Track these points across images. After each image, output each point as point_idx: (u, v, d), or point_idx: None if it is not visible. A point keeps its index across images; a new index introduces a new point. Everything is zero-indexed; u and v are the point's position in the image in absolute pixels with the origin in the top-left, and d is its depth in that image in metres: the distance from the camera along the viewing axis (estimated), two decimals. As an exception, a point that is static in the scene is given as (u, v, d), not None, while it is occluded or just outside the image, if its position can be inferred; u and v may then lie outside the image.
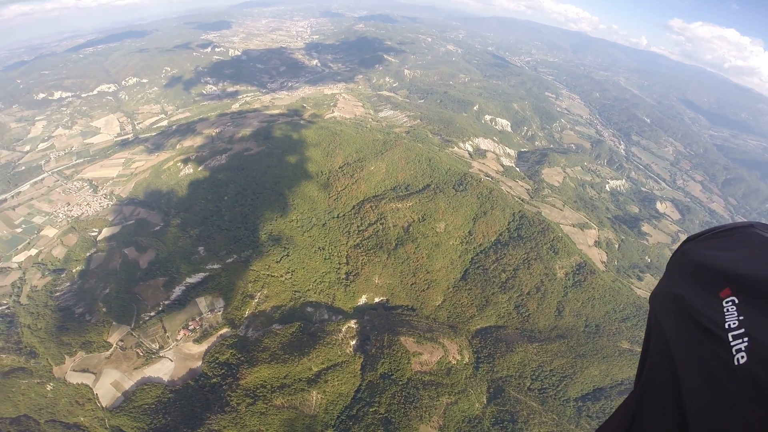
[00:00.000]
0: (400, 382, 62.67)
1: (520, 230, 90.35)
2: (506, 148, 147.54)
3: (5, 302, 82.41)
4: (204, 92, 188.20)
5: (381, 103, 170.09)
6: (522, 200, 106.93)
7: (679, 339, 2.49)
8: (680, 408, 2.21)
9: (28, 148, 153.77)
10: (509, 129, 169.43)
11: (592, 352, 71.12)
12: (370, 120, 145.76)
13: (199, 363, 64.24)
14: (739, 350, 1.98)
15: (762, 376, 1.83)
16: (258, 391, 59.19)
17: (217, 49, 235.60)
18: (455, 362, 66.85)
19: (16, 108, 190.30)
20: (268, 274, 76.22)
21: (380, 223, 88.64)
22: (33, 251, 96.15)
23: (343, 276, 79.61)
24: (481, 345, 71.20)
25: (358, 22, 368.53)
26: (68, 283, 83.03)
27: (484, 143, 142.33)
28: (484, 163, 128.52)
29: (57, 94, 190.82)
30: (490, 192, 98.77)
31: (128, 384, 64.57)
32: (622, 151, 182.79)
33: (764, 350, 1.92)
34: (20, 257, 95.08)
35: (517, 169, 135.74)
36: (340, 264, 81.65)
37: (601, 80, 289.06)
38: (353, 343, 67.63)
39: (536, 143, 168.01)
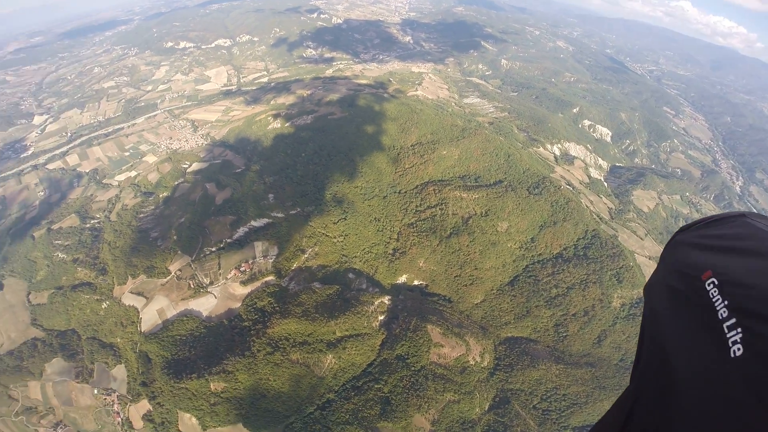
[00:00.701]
0: (413, 368, 62.29)
1: (588, 249, 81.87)
2: (599, 158, 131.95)
3: (98, 216, 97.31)
4: (304, 55, 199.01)
5: (468, 89, 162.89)
6: (600, 218, 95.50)
7: (672, 331, 2.45)
8: (676, 402, 2.16)
9: (150, 87, 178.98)
10: (608, 139, 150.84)
11: (614, 386, 64.79)
12: (453, 104, 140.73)
13: (239, 304, 69.28)
14: (735, 342, 1.95)
15: (758, 368, 1.80)
16: (280, 342, 62.72)
17: (322, 16, 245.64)
18: (473, 363, 64.97)
19: (148, 53, 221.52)
20: (323, 233, 79.60)
21: (440, 208, 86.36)
22: (133, 173, 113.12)
23: (390, 251, 79.75)
24: (506, 353, 68.06)
25: (458, 4, 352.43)
26: (153, 207, 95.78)
27: (575, 149, 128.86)
28: (569, 170, 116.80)
29: (182, 44, 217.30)
30: (567, 202, 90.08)
31: (171, 313, 71.18)
32: (737, 188, 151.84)
33: (760, 341, 1.87)
34: (121, 177, 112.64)
35: (605, 183, 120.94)
36: (390, 239, 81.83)
37: (738, 103, 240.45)
38: (381, 318, 68.12)
39: (636, 160, 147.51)
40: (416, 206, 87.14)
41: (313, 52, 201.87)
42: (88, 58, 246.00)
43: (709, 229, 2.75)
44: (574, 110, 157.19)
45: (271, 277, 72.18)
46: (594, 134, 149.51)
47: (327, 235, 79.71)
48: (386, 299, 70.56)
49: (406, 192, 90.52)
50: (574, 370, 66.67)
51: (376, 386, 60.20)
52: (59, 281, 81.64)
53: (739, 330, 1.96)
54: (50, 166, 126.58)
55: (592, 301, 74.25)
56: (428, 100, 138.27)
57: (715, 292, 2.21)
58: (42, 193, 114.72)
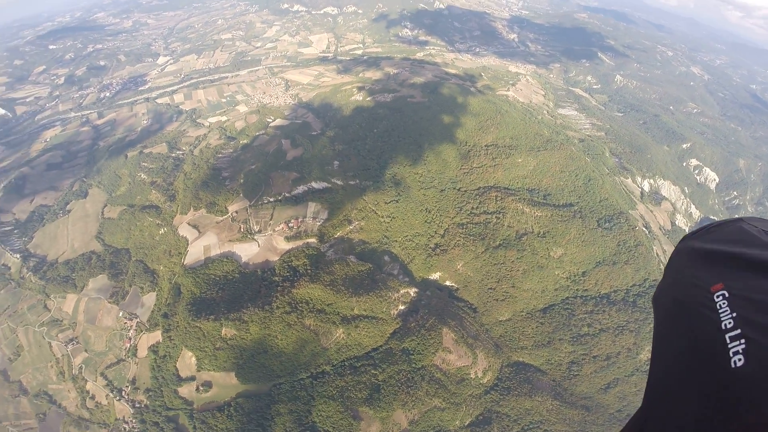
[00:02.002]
0: (414, 365, 61.37)
1: (640, 298, 73.71)
2: (692, 205, 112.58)
3: (184, 149, 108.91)
4: (400, 34, 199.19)
5: (567, 99, 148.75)
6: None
7: (680, 341, 2.42)
8: (686, 414, 2.13)
9: (259, 44, 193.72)
10: (712, 186, 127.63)
11: (600, 433, 58.69)
12: (545, 112, 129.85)
13: (276, 258, 72.45)
14: (736, 353, 1.94)
15: (759, 379, 1.80)
16: (300, 305, 64.76)
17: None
18: (473, 377, 62.89)
19: (265, 12, 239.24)
20: (373, 210, 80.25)
21: (496, 216, 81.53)
22: (223, 118, 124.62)
23: (432, 245, 77.72)
24: (508, 376, 64.96)
25: (583, 10, 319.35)
26: (231, 150, 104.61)
27: (668, 189, 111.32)
28: (652, 211, 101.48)
29: (295, 7, 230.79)
30: (636, 246, 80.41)
31: (215, 252, 75.83)
32: None
33: (761, 352, 1.89)
34: (213, 119, 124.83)
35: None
36: (435, 233, 79.62)
37: None
38: (402, 308, 67.38)
39: (736, 215, 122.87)
40: (472, 208, 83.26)
41: (409, 33, 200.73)
42: (215, 10, 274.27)
43: (711, 236, 2.71)
44: (684, 145, 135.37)
45: (313, 240, 74.88)
46: (698, 177, 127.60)
47: (376, 213, 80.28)
48: (413, 291, 69.51)
49: (466, 191, 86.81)
50: (568, 410, 63.49)
51: (372, 371, 60.41)
52: (133, 199, 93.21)
53: (743, 341, 1.94)
54: (159, 101, 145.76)
55: (619, 348, 69.00)
56: (518, 102, 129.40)
57: (723, 303, 2.18)
58: (145, 122, 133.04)
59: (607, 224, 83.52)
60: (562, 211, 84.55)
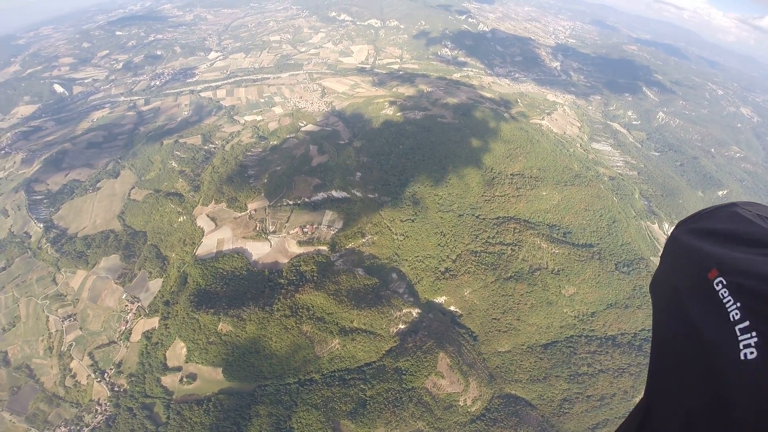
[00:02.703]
0: (404, 385, 60.26)
1: (646, 343, 70.83)
2: None
3: (216, 143, 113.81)
4: (439, 53, 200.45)
5: (603, 133, 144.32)
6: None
7: (681, 330, 2.39)
8: (690, 403, 2.12)
9: (303, 49, 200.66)
10: None
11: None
12: (578, 145, 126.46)
13: (286, 261, 73.21)
14: (747, 345, 1.91)
15: None
16: (300, 310, 64.93)
17: (469, 20, 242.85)
18: (462, 404, 61.02)
19: (314, 18, 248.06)
20: (388, 226, 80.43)
21: (512, 249, 79.69)
22: (259, 117, 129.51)
23: (442, 269, 76.69)
24: (497, 407, 62.80)
25: (633, 42, 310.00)
26: (260, 150, 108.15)
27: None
28: None
29: (342, 16, 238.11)
30: None
31: (228, 246, 76.67)
32: None
33: None
34: (249, 117, 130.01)
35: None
36: (447, 258, 78.60)
37: None
38: (401, 327, 66.70)
39: None
40: (488, 237, 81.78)
41: (448, 53, 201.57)
42: (269, 12, 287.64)
43: (705, 222, 2.70)
44: (720, 192, 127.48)
45: (324, 247, 75.71)
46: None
47: (390, 229, 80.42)
48: (415, 312, 68.77)
49: (484, 219, 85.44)
50: (550, 447, 60.45)
51: (361, 386, 59.63)
52: (160, 185, 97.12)
53: (754, 334, 1.90)
54: (202, 94, 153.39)
55: (616, 390, 66.08)
56: (551, 132, 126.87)
57: (725, 292, 2.13)
58: (186, 113, 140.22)
59: (625, 268, 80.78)
60: (580, 250, 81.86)
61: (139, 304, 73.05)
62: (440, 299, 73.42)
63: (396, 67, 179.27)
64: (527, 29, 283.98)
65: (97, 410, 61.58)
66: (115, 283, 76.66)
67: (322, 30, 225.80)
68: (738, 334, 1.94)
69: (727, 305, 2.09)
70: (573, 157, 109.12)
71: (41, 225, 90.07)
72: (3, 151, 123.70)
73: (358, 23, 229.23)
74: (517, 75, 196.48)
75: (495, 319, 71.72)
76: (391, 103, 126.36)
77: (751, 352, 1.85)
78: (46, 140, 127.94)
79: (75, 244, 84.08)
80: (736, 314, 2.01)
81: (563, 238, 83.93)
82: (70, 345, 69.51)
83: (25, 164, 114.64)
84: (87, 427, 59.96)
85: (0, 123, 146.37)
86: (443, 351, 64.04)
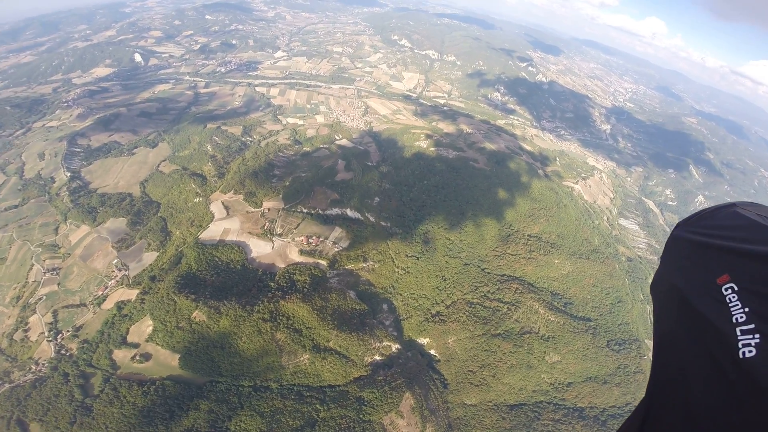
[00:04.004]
0: (361, 416, 59.30)
1: (612, 419, 70.14)
2: None
3: (254, 137, 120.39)
4: (489, 96, 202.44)
5: (634, 210, 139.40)
6: None
7: (680, 330, 2.42)
8: (688, 401, 2.15)
9: (360, 65, 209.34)
10: None
11: None
12: (605, 218, 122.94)
13: (282, 266, 74.21)
14: (747, 344, 1.94)
15: None
16: (280, 317, 65.22)
17: (529, 68, 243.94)
18: None
19: (377, 38, 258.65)
20: (392, 257, 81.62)
21: (508, 307, 78.59)
22: (300, 122, 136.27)
23: (433, 312, 76.43)
24: None
25: (693, 114, 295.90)
26: (292, 153, 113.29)
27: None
28: None
29: (402, 41, 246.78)
30: (635, 373, 76.58)
31: (231, 237, 77.69)
32: None
33: None
34: (291, 120, 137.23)
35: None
36: (441, 302, 78.35)
37: None
38: (377, 358, 66.50)
39: None
40: (488, 291, 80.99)
41: (499, 97, 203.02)
42: (340, 24, 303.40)
43: (707, 222, 2.75)
44: None
45: (324, 262, 77.26)
46: None
47: (393, 261, 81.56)
48: (395, 347, 68.69)
49: (489, 273, 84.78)
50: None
51: (317, 405, 58.91)
52: (189, 164, 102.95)
53: (757, 336, 1.96)
54: (257, 89, 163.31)
55: None
56: (581, 199, 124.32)
57: (734, 297, 2.18)
58: (237, 103, 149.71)
59: (617, 347, 79.43)
60: (577, 322, 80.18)
61: (126, 273, 72.08)
62: (423, 340, 73.13)
63: (442, 101, 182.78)
64: (586, 86, 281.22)
65: (30, 369, 59.63)
66: (113, 246, 77.19)
67: (381, 50, 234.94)
68: (739, 334, 2.00)
69: (732, 308, 2.13)
70: (596, 231, 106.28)
71: (68, 174, 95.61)
72: (66, 104, 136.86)
73: (416, 51, 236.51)
74: (562, 132, 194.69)
75: (471, 371, 70.57)
76: (428, 136, 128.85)
77: (750, 351, 1.91)
78: (107, 101, 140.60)
79: (91, 199, 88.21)
80: (741, 317, 2.07)
81: (563, 308, 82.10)
82: (40, 298, 67.84)
83: (80, 119, 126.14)
84: (10, 383, 58.04)
85: (77, 79, 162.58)
86: (410, 391, 63.43)
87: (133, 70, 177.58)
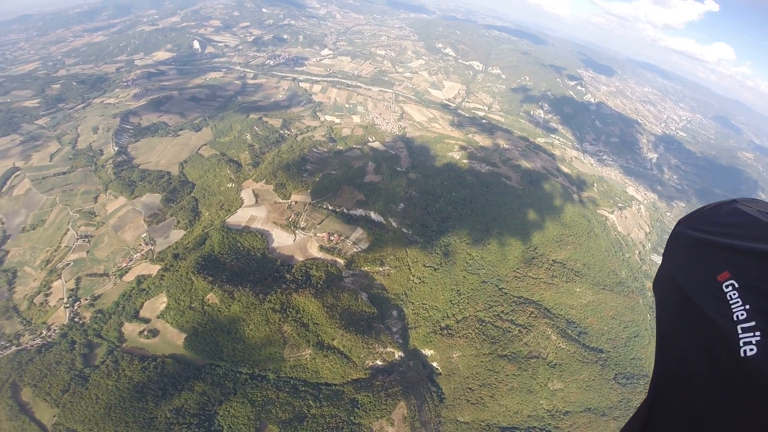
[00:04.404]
0: (352, 418, 59.60)
1: None
2: None
3: (292, 131, 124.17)
4: (531, 113, 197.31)
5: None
6: None
7: (682, 327, 2.45)
8: (690, 399, 2.19)
9: (401, 70, 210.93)
10: None
11: None
12: (637, 252, 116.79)
13: (301, 259, 76.16)
14: (748, 342, 1.95)
15: None
16: (290, 310, 66.55)
17: (578, 88, 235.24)
18: None
19: (421, 44, 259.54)
20: (409, 265, 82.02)
21: (520, 330, 76.78)
22: (337, 120, 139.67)
23: (442, 325, 75.97)
24: None
25: (751, 149, 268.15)
26: (325, 150, 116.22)
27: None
28: None
29: (447, 50, 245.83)
30: (637, 407, 69.10)
31: (256, 225, 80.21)
32: None
33: None
34: (329, 117, 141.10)
35: None
36: (453, 316, 77.71)
37: None
38: (378, 363, 66.65)
39: None
40: (502, 311, 79.53)
41: (542, 115, 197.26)
42: (386, 27, 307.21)
43: (708, 219, 2.77)
44: None
45: (341, 261, 78.61)
46: None
47: (410, 269, 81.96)
48: (398, 354, 68.83)
49: (506, 294, 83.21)
50: None
51: (310, 401, 59.42)
52: (228, 150, 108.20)
53: (758, 333, 1.96)
54: (301, 84, 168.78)
55: None
56: (614, 230, 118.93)
57: (734, 294, 2.19)
58: (281, 96, 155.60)
59: (624, 380, 76.06)
60: (588, 352, 77.20)
61: (152, 247, 74.76)
62: (428, 352, 72.98)
63: (481, 114, 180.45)
64: (637, 110, 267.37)
65: (41, 333, 60.61)
66: (144, 220, 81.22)
67: (423, 57, 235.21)
68: (740, 332, 1.99)
69: (733, 306, 2.12)
70: (624, 263, 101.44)
71: (116, 148, 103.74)
72: (125, 83, 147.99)
73: (459, 61, 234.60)
74: (605, 156, 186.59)
75: (470, 388, 69.64)
76: (462, 147, 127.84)
77: (751, 349, 1.90)
78: (162, 84, 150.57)
79: (132, 173, 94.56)
80: (742, 314, 2.05)
81: (576, 336, 79.27)
82: (68, 264, 69.75)
83: (135, 98, 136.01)
84: (17, 347, 58.73)
85: (139, 61, 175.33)
86: (405, 400, 63.45)
87: (190, 56, 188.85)
